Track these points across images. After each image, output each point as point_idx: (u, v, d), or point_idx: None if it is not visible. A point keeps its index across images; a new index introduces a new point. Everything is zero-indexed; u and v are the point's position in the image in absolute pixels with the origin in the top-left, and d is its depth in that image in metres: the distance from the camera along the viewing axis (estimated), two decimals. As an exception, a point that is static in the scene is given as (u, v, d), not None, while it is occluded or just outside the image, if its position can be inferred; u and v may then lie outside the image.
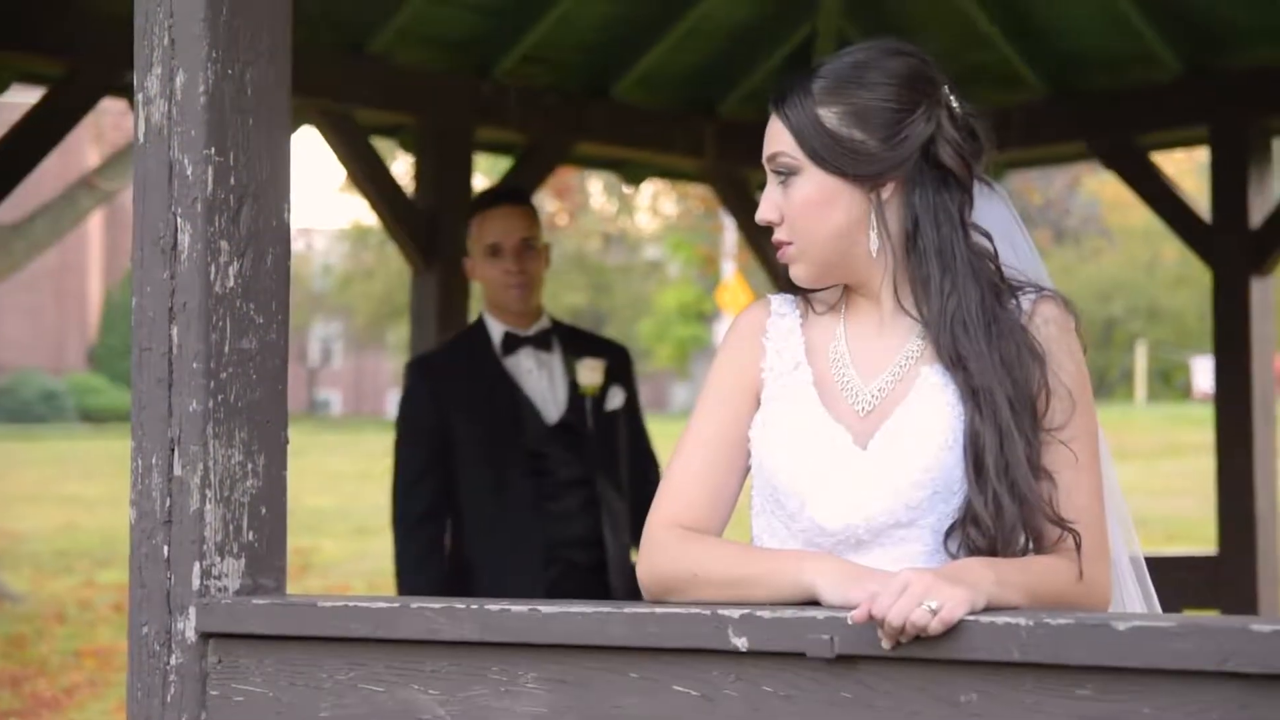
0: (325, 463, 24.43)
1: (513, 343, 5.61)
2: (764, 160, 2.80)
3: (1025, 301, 2.77)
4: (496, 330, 5.63)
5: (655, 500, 2.84)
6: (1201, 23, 7.15)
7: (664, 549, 2.78)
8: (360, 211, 37.67)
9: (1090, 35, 7.42)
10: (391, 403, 49.72)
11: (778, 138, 2.78)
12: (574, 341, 5.73)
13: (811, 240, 2.77)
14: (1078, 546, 2.66)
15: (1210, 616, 2.40)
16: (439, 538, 5.54)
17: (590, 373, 5.59)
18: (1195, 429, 23.66)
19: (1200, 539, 13.59)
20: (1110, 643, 2.36)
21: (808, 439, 2.75)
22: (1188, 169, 33.64)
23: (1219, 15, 7.11)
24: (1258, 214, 7.31)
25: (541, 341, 5.63)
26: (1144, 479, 19.91)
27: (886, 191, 2.75)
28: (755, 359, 2.85)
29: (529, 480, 5.51)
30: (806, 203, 2.76)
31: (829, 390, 2.80)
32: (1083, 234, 40.47)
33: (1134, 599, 2.87)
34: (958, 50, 7.32)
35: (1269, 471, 7.27)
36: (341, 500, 20.06)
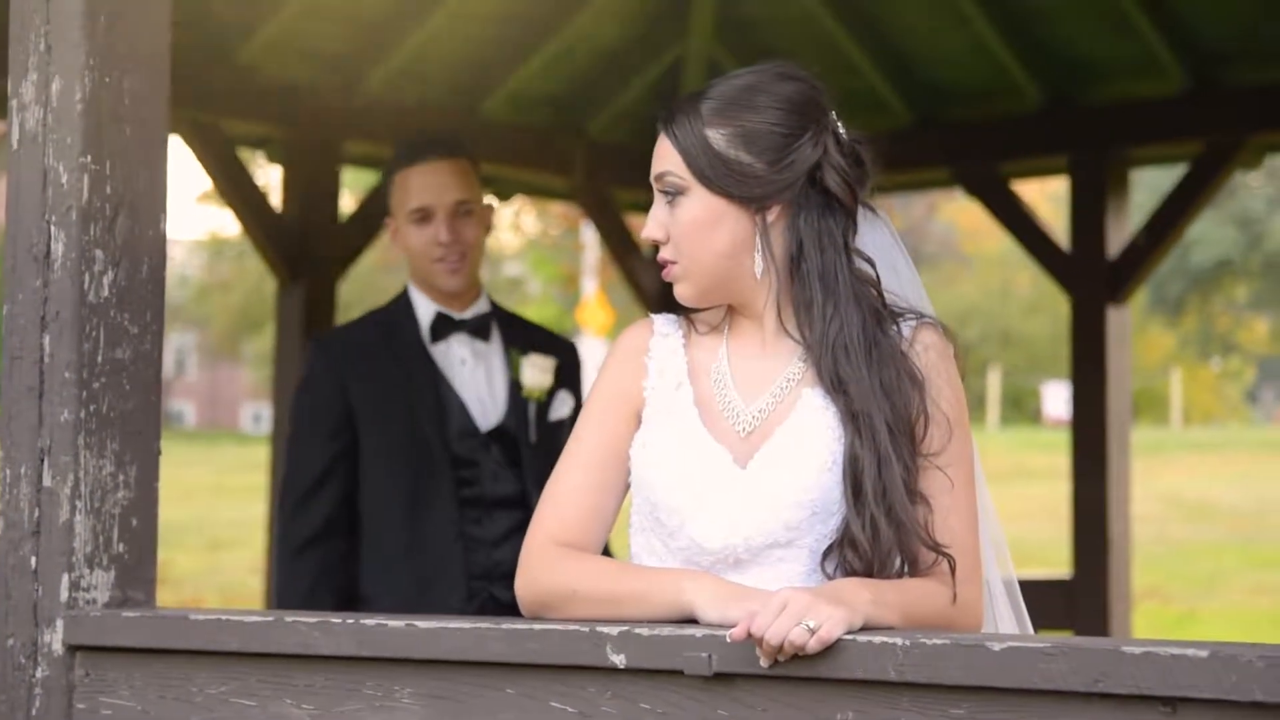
0: (179, 475, 24.11)
1: (443, 326, 4.64)
2: (651, 179, 2.81)
3: (906, 328, 2.81)
4: (425, 309, 4.66)
5: (534, 516, 2.85)
6: (1063, 56, 7.30)
7: (543, 565, 2.79)
8: (218, 223, 37.29)
9: (955, 66, 7.55)
10: (246, 416, 49.33)
11: (666, 157, 2.80)
12: (515, 331, 4.75)
13: (696, 260, 2.79)
14: (952, 570, 2.70)
15: (1083, 638, 2.45)
16: (332, 564, 4.54)
17: (539, 373, 4.65)
18: (1045, 453, 24.01)
19: (1051, 561, 13.79)
20: (985, 663, 2.40)
21: (688, 458, 2.77)
22: (1041, 197, 34.14)
23: (1080, 49, 7.27)
24: (1115, 244, 7.45)
25: (479, 328, 4.67)
26: (996, 502, 20.07)
27: (772, 214, 2.78)
28: (637, 378, 2.86)
29: (451, 497, 4.54)
30: (692, 223, 2.78)
31: (710, 410, 2.82)
32: (939, 259, 40.94)
33: (1007, 620, 2.91)
34: (826, 77, 7.36)
35: (1123, 497, 7.40)
36: (195, 513, 19.86)
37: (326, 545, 4.55)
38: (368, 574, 4.57)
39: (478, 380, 4.65)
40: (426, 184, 4.57)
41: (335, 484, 4.56)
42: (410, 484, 4.55)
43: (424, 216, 4.57)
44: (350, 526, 4.58)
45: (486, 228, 4.68)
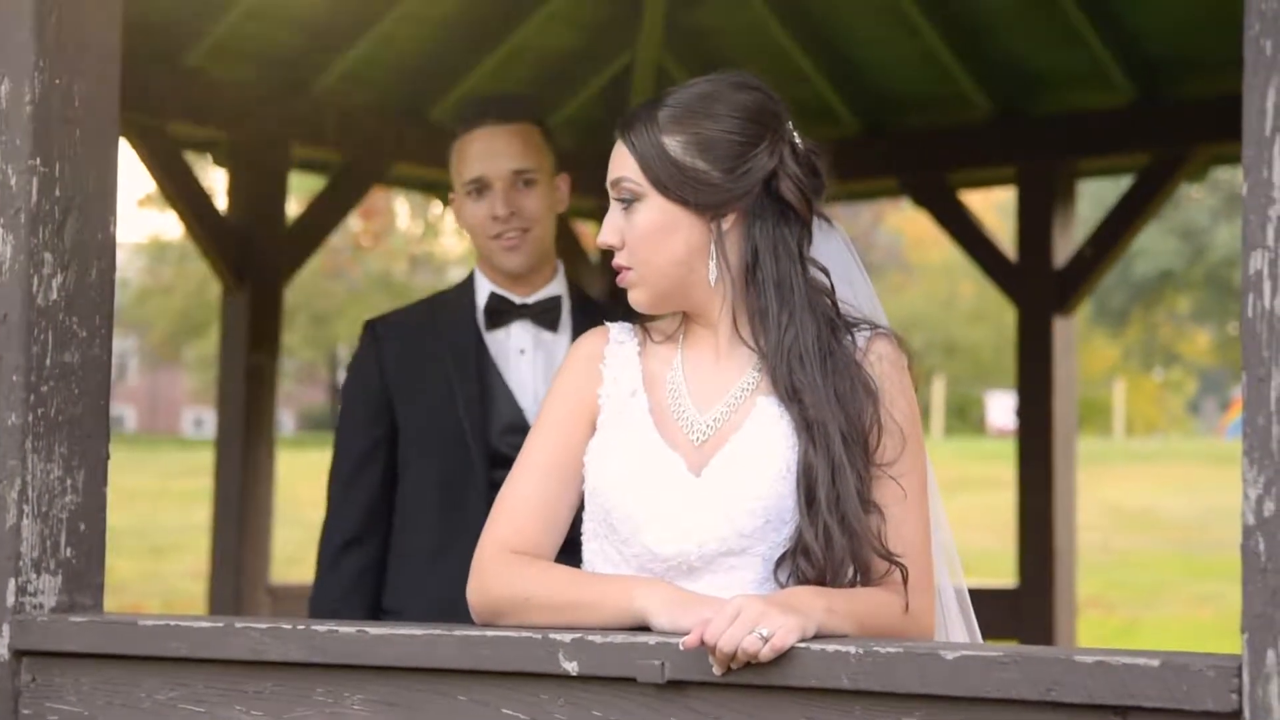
0: (120, 480, 23.97)
1: (502, 310, 4.15)
2: (608, 184, 2.82)
3: (860, 338, 2.81)
4: (484, 290, 4.18)
5: (488, 523, 2.84)
6: (1011, 67, 7.34)
7: (496, 572, 2.78)
8: (159, 226, 37.09)
9: (904, 75, 7.59)
10: (187, 421, 49.01)
11: (622, 163, 2.80)
12: (595, 322, 3.81)
13: (651, 266, 2.79)
14: (904, 580, 2.71)
15: (1036, 647, 2.46)
16: (371, 566, 4.12)
17: None
18: (989, 463, 24.09)
19: (994, 571, 13.85)
20: (938, 671, 2.40)
21: (642, 466, 2.77)
22: (986, 207, 34.29)
23: (1028, 60, 7.31)
24: (1061, 254, 7.50)
25: (544, 314, 4.15)
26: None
27: (727, 222, 2.78)
28: (592, 385, 2.87)
29: (482, 499, 3.95)
30: (648, 229, 2.78)
31: (665, 418, 2.82)
32: (885, 268, 41.06)
33: (958, 629, 2.92)
34: (775, 86, 7.40)
35: (1069, 508, 7.44)
36: (135, 519, 19.72)
37: (365, 548, 4.12)
38: (393, 582, 4.13)
39: (535, 372, 4.14)
40: (481, 151, 4.10)
41: (374, 473, 4.13)
42: (443, 481, 4.09)
43: (480, 188, 4.10)
44: (386, 528, 4.17)
45: (559, 201, 4.20)
